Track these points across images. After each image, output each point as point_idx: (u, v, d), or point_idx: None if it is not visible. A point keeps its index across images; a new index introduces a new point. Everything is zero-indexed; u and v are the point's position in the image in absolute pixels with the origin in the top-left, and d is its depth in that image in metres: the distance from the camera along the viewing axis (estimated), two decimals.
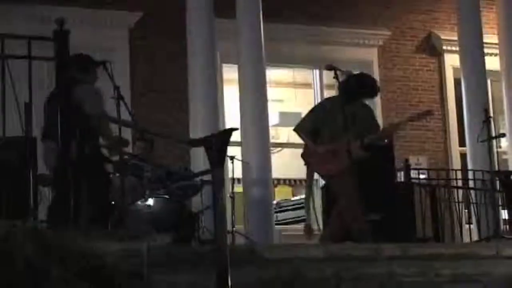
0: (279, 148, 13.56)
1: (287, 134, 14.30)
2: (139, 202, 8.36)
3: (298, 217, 13.36)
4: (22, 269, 4.10)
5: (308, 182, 8.52)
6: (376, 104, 12.47)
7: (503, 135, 11.52)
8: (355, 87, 8.11)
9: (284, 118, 14.11)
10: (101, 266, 4.39)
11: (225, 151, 5.05)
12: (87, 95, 7.09)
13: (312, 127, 8.15)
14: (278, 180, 13.98)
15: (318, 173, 8.38)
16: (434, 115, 10.00)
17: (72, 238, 4.42)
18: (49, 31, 6.02)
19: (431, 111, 9.58)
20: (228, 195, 10.39)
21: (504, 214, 10.85)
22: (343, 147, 7.82)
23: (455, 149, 13.43)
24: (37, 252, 4.17)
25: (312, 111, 8.39)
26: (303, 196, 13.68)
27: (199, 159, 9.74)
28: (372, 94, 8.36)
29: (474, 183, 11.00)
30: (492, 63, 12.77)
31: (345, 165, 7.82)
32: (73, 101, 7.11)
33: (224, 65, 12.02)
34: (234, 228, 10.27)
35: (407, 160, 10.72)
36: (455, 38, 12.48)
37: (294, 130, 8.33)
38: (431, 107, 13.49)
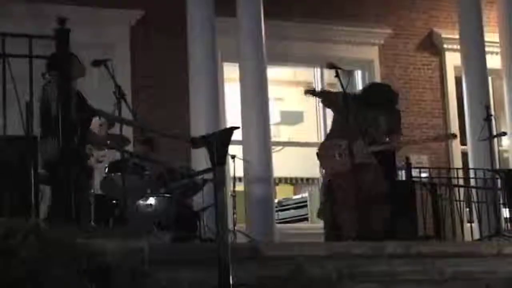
0: (280, 147, 13.56)
1: (288, 133, 14.31)
2: (140, 201, 8.36)
3: (300, 215, 13.37)
4: (23, 267, 4.10)
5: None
6: None
7: (504, 133, 11.51)
8: (365, 95, 8.17)
9: (285, 116, 14.11)
10: (102, 264, 4.39)
11: (226, 149, 5.05)
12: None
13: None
14: (279, 178, 13.97)
15: (323, 169, 8.36)
16: (455, 138, 9.95)
17: (73, 236, 4.42)
18: (50, 29, 6.02)
19: (453, 135, 9.57)
20: (229, 193, 10.39)
21: (506, 213, 10.85)
22: (348, 149, 7.85)
23: (456, 148, 13.41)
24: (38, 250, 4.17)
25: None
26: (304, 194, 13.70)
27: (200, 158, 9.73)
28: (381, 106, 8.28)
29: (476, 182, 10.99)
30: (493, 61, 12.76)
31: (346, 167, 7.84)
32: (45, 99, 7.12)
33: (225, 63, 12.00)
34: (235, 227, 10.27)
35: (408, 159, 10.70)
36: (456, 36, 12.48)
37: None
38: (432, 105, 13.52)
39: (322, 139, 12.70)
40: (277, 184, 13.50)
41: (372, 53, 13.35)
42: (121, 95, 7.21)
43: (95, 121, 7.96)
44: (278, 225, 11.42)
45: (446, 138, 9.41)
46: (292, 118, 14.15)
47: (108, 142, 8.02)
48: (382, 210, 8.02)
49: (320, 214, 9.03)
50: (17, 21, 10.35)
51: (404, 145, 8.45)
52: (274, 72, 12.47)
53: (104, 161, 8.34)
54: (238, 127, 8.08)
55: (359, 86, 13.18)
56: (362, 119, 8.07)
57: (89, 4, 11.36)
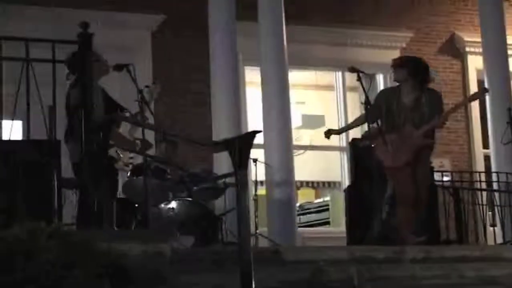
0: (302, 151, 13.57)
1: (310, 136, 14.31)
2: (162, 205, 8.38)
3: (321, 219, 13.37)
4: (44, 269, 4.12)
5: None
6: None
7: None
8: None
9: (307, 120, 14.12)
10: (123, 267, 4.40)
11: (248, 153, 5.05)
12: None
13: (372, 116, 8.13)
14: (301, 182, 13.98)
15: (384, 164, 8.24)
16: (488, 91, 9.92)
17: (95, 239, 4.44)
18: (73, 34, 6.05)
19: (486, 89, 9.59)
20: (251, 197, 10.40)
21: None
22: (403, 139, 7.90)
23: (479, 151, 13.37)
24: (60, 252, 4.19)
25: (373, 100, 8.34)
26: (326, 198, 13.71)
27: (222, 161, 9.76)
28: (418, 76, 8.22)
29: (498, 185, 10.95)
30: None
31: (403, 161, 7.88)
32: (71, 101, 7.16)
33: (246, 67, 12.03)
34: (257, 231, 10.28)
35: (430, 163, 10.67)
36: (479, 39, 12.42)
37: None
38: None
39: (344, 142, 12.73)
40: (299, 188, 13.52)
41: (394, 57, 13.27)
42: (143, 100, 7.24)
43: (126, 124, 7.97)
44: (300, 229, 11.43)
45: (480, 94, 9.42)
46: (314, 121, 14.16)
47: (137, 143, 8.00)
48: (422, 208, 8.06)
49: None
50: (39, 25, 10.42)
51: (446, 117, 8.39)
52: (295, 76, 12.48)
53: (131, 164, 8.36)
54: (260, 131, 8.07)
55: None
56: (403, 105, 8.09)
57: (110, 8, 11.42)
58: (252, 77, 11.85)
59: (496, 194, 10.87)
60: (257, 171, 10.57)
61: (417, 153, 7.97)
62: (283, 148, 10.52)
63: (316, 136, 14.14)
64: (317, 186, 14.72)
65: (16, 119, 6.05)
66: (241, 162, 4.96)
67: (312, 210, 13.59)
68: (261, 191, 10.92)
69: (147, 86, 7.77)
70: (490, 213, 11.08)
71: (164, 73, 11.78)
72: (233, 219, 8.86)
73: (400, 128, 8.03)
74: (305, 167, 13.29)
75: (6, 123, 6.13)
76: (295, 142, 11.72)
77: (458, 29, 13.79)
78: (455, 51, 13.73)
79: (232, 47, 10.56)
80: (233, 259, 5.11)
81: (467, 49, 13.63)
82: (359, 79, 7.91)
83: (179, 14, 11.93)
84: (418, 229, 7.93)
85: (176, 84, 11.81)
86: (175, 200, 8.41)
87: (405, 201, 7.90)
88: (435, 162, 11.65)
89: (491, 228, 10.99)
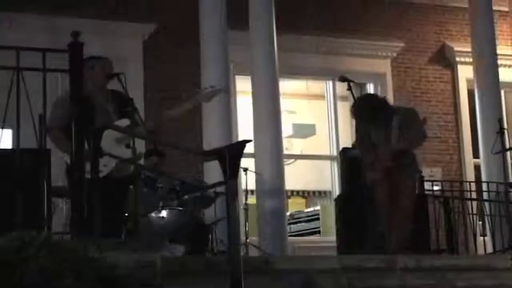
0: (292, 160, 13.57)
1: (300, 146, 14.32)
2: (152, 214, 8.36)
3: (312, 228, 13.37)
4: (35, 280, 4.11)
5: None
6: None
7: None
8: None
9: (297, 129, 14.13)
10: (114, 277, 4.40)
11: (238, 162, 5.06)
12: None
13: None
14: (292, 191, 13.98)
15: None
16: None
17: (86, 249, 4.43)
18: (64, 42, 6.04)
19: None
20: (241, 206, 10.39)
21: None
22: (376, 157, 7.90)
23: (469, 161, 13.39)
24: (51, 262, 4.18)
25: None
26: (316, 207, 13.70)
27: (213, 170, 9.74)
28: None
29: (488, 195, 10.97)
30: (506, 74, 12.75)
31: (377, 175, 7.88)
32: None
33: (237, 76, 12.03)
34: (247, 240, 10.27)
35: (420, 172, 10.69)
36: (469, 49, 12.48)
37: None
38: (444, 118, 13.51)
39: (334, 152, 12.74)
40: (289, 197, 13.52)
41: (384, 66, 13.35)
42: (134, 108, 7.22)
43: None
44: (290, 238, 11.42)
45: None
46: (304, 130, 14.17)
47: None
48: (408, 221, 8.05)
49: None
50: (31, 34, 10.41)
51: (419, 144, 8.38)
52: (286, 85, 12.49)
53: (104, 171, 8.27)
54: (250, 140, 8.09)
55: None
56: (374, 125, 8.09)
57: (102, 17, 11.42)
58: (243, 86, 11.86)
59: (486, 204, 10.89)
60: (248, 180, 10.57)
61: (396, 168, 7.95)
62: (273, 157, 10.53)
63: (306, 145, 14.16)
64: (308, 195, 14.72)
65: (6, 128, 6.03)
66: (232, 171, 4.96)
67: (302, 219, 13.58)
68: (252, 200, 10.91)
69: (212, 87, 7.75)
70: (480, 222, 11.09)
71: (155, 82, 11.78)
72: (224, 228, 8.85)
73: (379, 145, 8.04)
74: (296, 176, 13.29)
75: None
76: (285, 151, 11.73)
77: (449, 39, 13.84)
78: (445, 61, 13.77)
79: (223, 56, 10.56)
80: (223, 268, 5.11)
81: (457, 59, 13.67)
82: (349, 88, 7.92)
83: (170, 23, 11.94)
84: (406, 239, 7.94)
85: (167, 93, 11.79)
86: (166, 209, 8.39)
87: (389, 213, 7.92)
88: (426, 172, 11.69)
89: (482, 238, 11.00)
